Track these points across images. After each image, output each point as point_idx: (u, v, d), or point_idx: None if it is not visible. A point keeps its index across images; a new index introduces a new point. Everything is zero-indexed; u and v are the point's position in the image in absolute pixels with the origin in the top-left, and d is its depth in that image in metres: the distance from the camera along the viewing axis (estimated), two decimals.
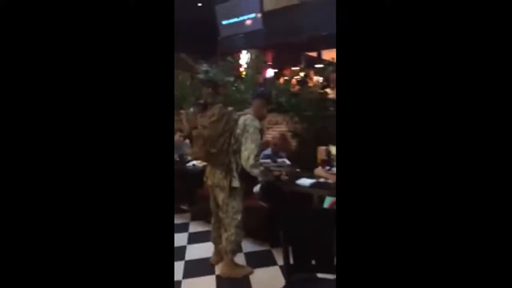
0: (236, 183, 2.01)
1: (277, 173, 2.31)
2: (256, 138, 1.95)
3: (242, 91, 3.64)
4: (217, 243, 2.25)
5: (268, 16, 5.60)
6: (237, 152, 1.99)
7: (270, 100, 2.32)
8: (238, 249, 2.16)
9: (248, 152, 1.93)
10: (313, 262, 1.61)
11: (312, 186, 2.30)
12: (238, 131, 1.98)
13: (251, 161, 1.92)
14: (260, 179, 2.28)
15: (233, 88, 3.60)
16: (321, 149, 3.02)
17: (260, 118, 2.13)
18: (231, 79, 3.63)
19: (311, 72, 5.80)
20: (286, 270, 1.59)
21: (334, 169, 2.88)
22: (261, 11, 5.27)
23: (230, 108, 2.14)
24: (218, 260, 2.24)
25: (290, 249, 1.57)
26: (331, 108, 3.34)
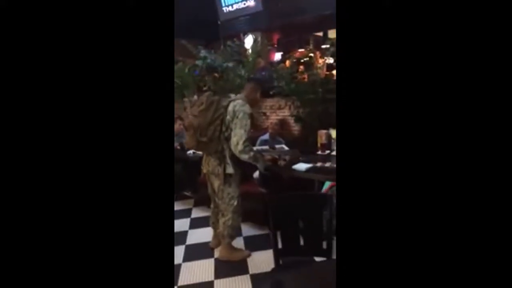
0: (230, 170, 2.02)
1: (268, 157, 2.28)
2: (245, 123, 1.93)
3: (243, 76, 3.60)
4: (215, 228, 2.30)
5: None
6: (229, 138, 1.98)
7: (265, 84, 2.29)
8: (236, 233, 2.21)
9: (237, 138, 1.93)
10: (302, 244, 1.63)
11: (308, 170, 2.28)
12: (228, 117, 1.96)
13: (240, 146, 1.92)
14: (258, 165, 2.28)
15: (233, 73, 3.56)
16: (322, 132, 2.98)
17: (252, 102, 2.10)
18: (230, 64, 3.58)
19: (317, 53, 5.66)
20: (275, 254, 1.62)
21: (334, 153, 2.86)
22: None
23: (232, 96, 2.11)
24: (217, 243, 2.30)
25: (279, 233, 1.60)
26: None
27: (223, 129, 1.98)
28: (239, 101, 2.01)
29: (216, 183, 2.09)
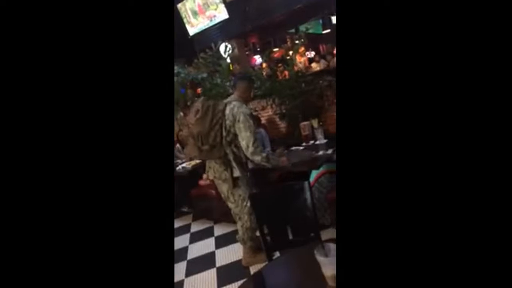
0: (237, 173, 1.98)
1: (284, 158, 2.23)
2: (249, 124, 1.89)
3: (219, 85, 3.64)
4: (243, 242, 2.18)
5: (233, 4, 5.51)
6: (232, 142, 1.95)
7: (253, 81, 2.28)
8: (255, 235, 2.09)
9: (245, 141, 1.89)
10: (290, 237, 1.62)
11: (293, 163, 2.28)
12: (228, 122, 1.92)
13: (251, 149, 1.88)
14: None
15: (209, 83, 3.60)
16: (303, 124, 2.99)
17: (246, 101, 2.07)
18: (205, 75, 3.62)
19: (301, 49, 5.70)
20: (265, 249, 1.62)
21: (318, 142, 2.87)
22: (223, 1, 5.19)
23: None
24: (250, 259, 2.17)
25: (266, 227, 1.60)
26: (320, 81, 3.24)
27: (224, 133, 1.93)
28: (235, 103, 1.96)
29: (224, 187, 2.04)
